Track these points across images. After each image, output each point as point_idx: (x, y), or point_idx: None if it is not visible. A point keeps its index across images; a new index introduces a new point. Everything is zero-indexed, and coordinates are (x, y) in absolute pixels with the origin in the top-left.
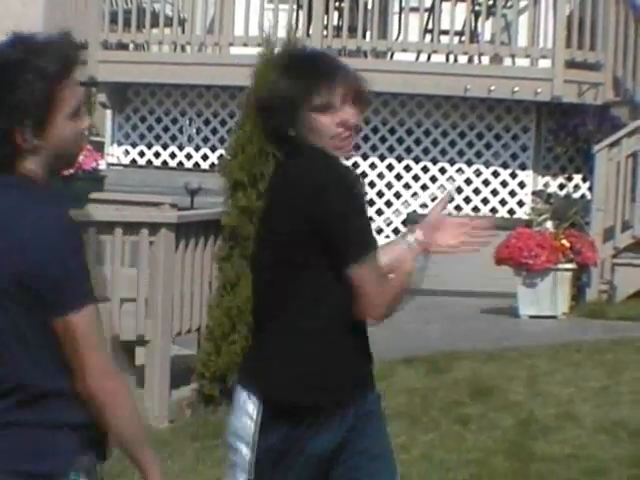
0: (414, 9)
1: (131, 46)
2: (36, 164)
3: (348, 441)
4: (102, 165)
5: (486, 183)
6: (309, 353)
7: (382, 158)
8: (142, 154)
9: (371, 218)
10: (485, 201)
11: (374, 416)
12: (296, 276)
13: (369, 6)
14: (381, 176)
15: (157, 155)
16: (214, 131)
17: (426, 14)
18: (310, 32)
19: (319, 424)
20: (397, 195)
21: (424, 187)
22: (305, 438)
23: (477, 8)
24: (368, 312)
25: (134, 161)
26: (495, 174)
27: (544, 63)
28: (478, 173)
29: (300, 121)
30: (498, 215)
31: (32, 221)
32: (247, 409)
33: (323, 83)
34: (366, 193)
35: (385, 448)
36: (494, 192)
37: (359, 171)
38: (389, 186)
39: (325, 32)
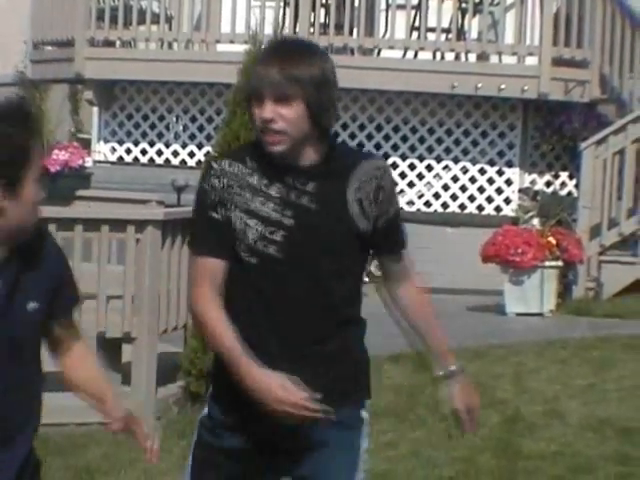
0: (401, 6)
1: (118, 43)
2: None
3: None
4: (89, 162)
5: (473, 180)
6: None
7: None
8: (129, 151)
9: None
10: (472, 198)
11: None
12: None
13: (356, 3)
14: None
15: (144, 152)
16: (201, 128)
17: (413, 11)
18: (297, 29)
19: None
20: None
21: (411, 184)
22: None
23: (464, 5)
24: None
25: (121, 158)
26: (482, 171)
27: (531, 60)
28: (465, 170)
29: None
30: (484, 212)
31: None
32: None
33: (256, 72)
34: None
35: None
36: (481, 189)
37: None
38: None
39: (312, 29)
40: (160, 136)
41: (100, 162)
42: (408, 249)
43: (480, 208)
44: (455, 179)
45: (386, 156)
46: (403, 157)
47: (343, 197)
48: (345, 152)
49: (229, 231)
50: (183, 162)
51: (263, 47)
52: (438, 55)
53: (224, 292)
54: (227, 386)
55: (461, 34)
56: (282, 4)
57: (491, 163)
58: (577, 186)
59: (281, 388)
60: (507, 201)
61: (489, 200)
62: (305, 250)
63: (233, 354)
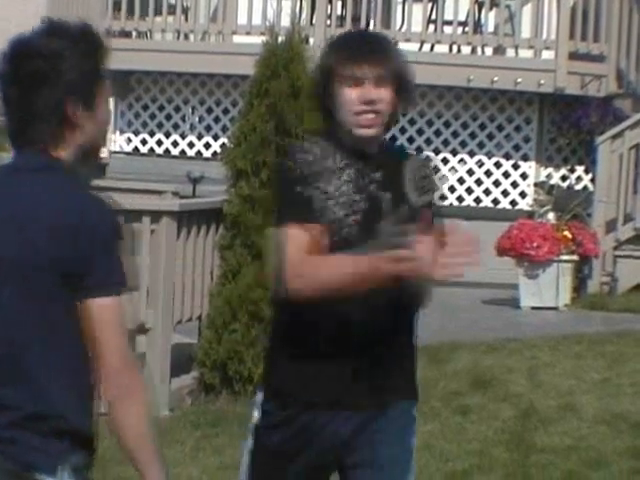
0: None
1: (134, 34)
2: (73, 148)
3: (356, 447)
4: (104, 153)
5: (488, 174)
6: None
7: None
8: (144, 142)
9: None
10: (487, 192)
11: (392, 425)
12: None
13: None
14: None
15: (159, 143)
16: (217, 119)
17: (430, 4)
18: (313, 21)
19: (318, 421)
20: None
21: None
22: (306, 433)
23: None
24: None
25: (136, 149)
26: (497, 165)
27: (547, 54)
28: (480, 164)
29: (331, 93)
30: (500, 206)
31: (78, 205)
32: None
33: (352, 55)
34: None
35: (395, 458)
36: (496, 183)
37: None
38: None
39: (328, 21)
40: (176, 127)
41: (116, 153)
42: None
43: (495, 202)
44: (470, 172)
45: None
46: (419, 150)
47: (401, 187)
48: (390, 144)
49: (310, 206)
50: (199, 153)
51: (340, 37)
52: (454, 48)
53: None
54: (289, 384)
55: (478, 27)
56: None
57: (507, 157)
58: (593, 180)
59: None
60: (523, 195)
61: (504, 194)
62: (371, 234)
63: (359, 264)
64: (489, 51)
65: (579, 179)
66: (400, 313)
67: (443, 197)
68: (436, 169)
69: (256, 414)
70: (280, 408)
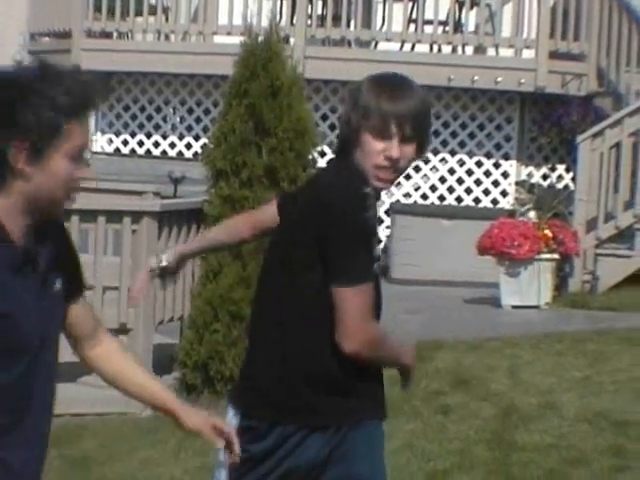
0: None
1: (115, 34)
2: (15, 199)
3: (327, 464)
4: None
5: (469, 173)
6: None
7: None
8: (126, 143)
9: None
10: (468, 191)
11: (362, 441)
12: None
13: None
14: None
15: (141, 144)
16: (198, 120)
17: (410, 4)
18: (294, 21)
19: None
20: None
21: (407, 177)
22: (280, 452)
23: None
24: (342, 340)
25: (117, 150)
26: (479, 164)
27: (528, 53)
28: (462, 163)
29: (358, 138)
30: (481, 205)
31: None
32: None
33: (384, 108)
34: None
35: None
36: (477, 182)
37: None
38: None
39: (309, 21)
40: (157, 128)
41: (97, 153)
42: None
43: (477, 201)
44: (452, 171)
45: None
46: None
47: None
48: None
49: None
50: (180, 154)
51: (376, 78)
52: (435, 48)
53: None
54: (274, 403)
55: (458, 27)
56: None
57: (488, 156)
58: (574, 179)
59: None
60: (504, 194)
61: (486, 193)
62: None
63: (399, 348)
64: (470, 50)
65: (560, 178)
66: None
67: (425, 196)
68: None
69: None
70: (260, 438)
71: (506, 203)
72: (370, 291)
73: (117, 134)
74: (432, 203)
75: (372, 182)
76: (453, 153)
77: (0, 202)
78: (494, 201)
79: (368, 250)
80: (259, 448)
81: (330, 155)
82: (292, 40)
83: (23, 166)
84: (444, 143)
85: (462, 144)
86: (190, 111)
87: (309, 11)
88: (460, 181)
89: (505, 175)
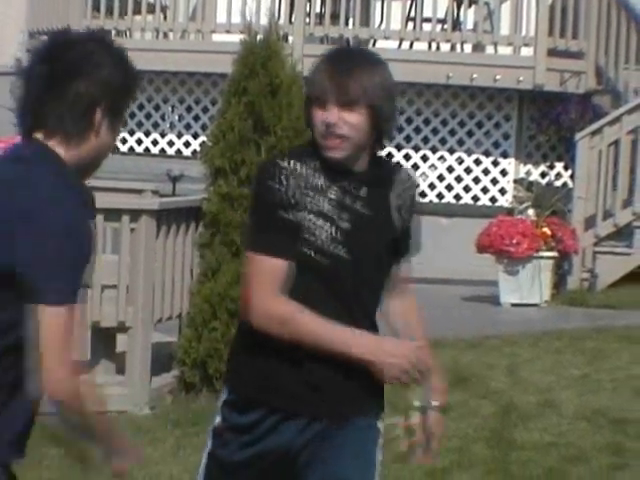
0: None
1: (113, 32)
2: (78, 156)
3: (310, 457)
4: None
5: (468, 171)
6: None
7: None
8: (124, 141)
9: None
10: (467, 189)
11: (352, 440)
12: None
13: None
14: None
15: (139, 142)
16: (196, 118)
17: (408, 2)
18: (293, 19)
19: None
20: None
21: None
22: (256, 432)
23: None
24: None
25: (116, 148)
26: (477, 162)
27: (526, 51)
28: (460, 161)
29: (309, 114)
30: (480, 203)
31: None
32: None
33: (321, 77)
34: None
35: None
36: (476, 180)
37: None
38: None
39: (307, 19)
40: (156, 126)
41: None
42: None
43: (475, 199)
44: (450, 169)
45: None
46: (398, 147)
47: (387, 204)
48: (384, 161)
49: (296, 232)
50: (178, 152)
51: (325, 54)
52: (434, 45)
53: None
54: (248, 383)
55: (457, 25)
56: None
57: (486, 154)
58: (572, 177)
59: (390, 342)
60: (502, 192)
61: (484, 191)
62: (358, 253)
63: (334, 333)
64: (468, 48)
65: (558, 175)
66: (366, 322)
67: (423, 194)
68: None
69: (218, 417)
70: (241, 412)
71: (505, 201)
72: (264, 262)
73: None
74: (430, 201)
75: (323, 153)
76: (452, 151)
77: (72, 154)
78: (493, 199)
79: (270, 218)
80: (242, 421)
81: None
82: (290, 38)
83: (102, 127)
84: (442, 141)
85: (460, 142)
86: (189, 109)
87: (307, 9)
88: (459, 179)
89: (504, 173)
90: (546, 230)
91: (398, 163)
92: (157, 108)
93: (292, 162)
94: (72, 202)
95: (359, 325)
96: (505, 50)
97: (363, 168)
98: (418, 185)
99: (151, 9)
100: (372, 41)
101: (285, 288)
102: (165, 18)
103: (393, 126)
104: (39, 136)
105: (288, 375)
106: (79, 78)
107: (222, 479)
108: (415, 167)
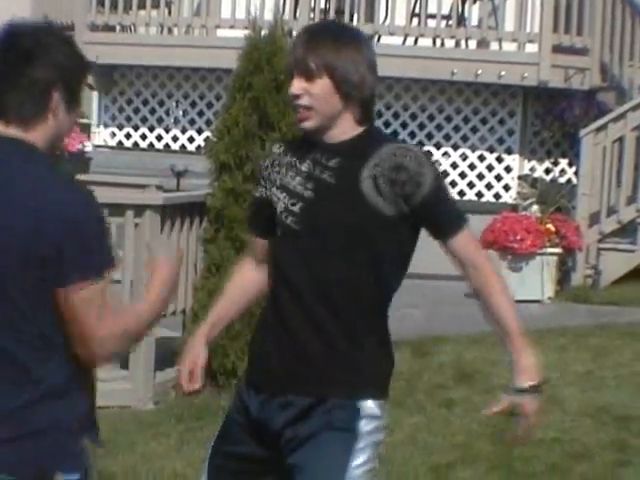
0: None
1: (118, 28)
2: (43, 137)
3: (283, 436)
4: (88, 147)
5: (472, 167)
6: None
7: None
8: (128, 136)
9: None
10: (471, 185)
11: (321, 425)
12: None
13: None
14: None
15: (143, 137)
16: (200, 113)
17: None
18: (297, 15)
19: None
20: None
21: None
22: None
23: None
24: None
25: (120, 143)
26: (481, 158)
27: (531, 48)
28: (464, 157)
29: None
30: (484, 199)
31: (59, 192)
32: None
33: (290, 51)
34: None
35: (316, 464)
36: (480, 176)
37: None
38: None
39: (312, 15)
40: (160, 121)
41: (100, 147)
42: (468, 231)
43: (479, 195)
44: (454, 166)
45: None
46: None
47: (357, 173)
48: (376, 136)
49: (268, 208)
50: (183, 147)
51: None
52: (438, 42)
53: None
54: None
55: (461, 21)
56: None
57: (490, 150)
58: (576, 173)
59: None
60: (506, 188)
61: (488, 187)
62: (319, 223)
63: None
64: (473, 44)
65: (563, 172)
66: (331, 293)
67: None
68: (425, 158)
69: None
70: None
71: (509, 197)
72: (248, 238)
73: (120, 127)
74: None
75: (299, 125)
76: (456, 147)
77: (33, 137)
78: (497, 195)
79: (252, 198)
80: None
81: None
82: (295, 34)
83: (58, 105)
84: (447, 137)
85: (465, 138)
86: (193, 104)
87: (312, 4)
88: (463, 175)
89: (508, 169)
90: (550, 226)
91: (394, 139)
92: (161, 103)
93: (278, 145)
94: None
95: (309, 293)
96: (510, 46)
97: (340, 139)
98: (415, 156)
99: (155, 4)
100: (377, 37)
101: (262, 261)
102: (170, 13)
103: (365, 95)
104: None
105: (262, 350)
106: (32, 64)
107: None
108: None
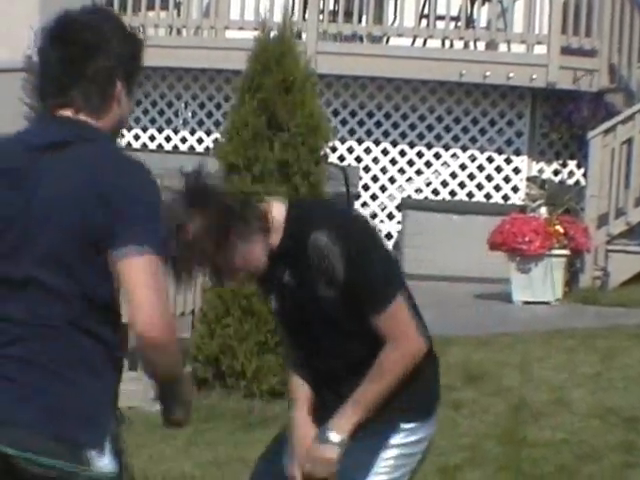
0: None
1: None
2: (110, 124)
3: None
4: None
5: (481, 169)
6: None
7: (377, 143)
8: (137, 137)
9: None
10: (479, 186)
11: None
12: None
13: None
14: (376, 161)
15: (152, 138)
16: (209, 115)
17: None
18: (306, 16)
19: None
20: (392, 180)
21: (418, 172)
22: None
23: None
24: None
25: (129, 144)
26: (490, 160)
27: (539, 49)
28: (473, 158)
29: None
30: (492, 200)
31: (123, 166)
32: None
33: None
34: None
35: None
36: (489, 178)
37: (354, 155)
38: (384, 171)
39: (321, 17)
40: (168, 122)
41: None
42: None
43: (488, 196)
44: (463, 167)
45: (394, 143)
46: (411, 145)
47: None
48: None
49: None
50: (191, 148)
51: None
52: (447, 43)
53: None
54: None
55: (470, 22)
56: None
57: (499, 151)
58: (585, 175)
59: None
60: (515, 189)
61: (497, 188)
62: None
63: None
64: (481, 46)
65: (571, 174)
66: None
67: (436, 192)
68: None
69: None
70: None
71: (517, 199)
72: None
73: (129, 129)
74: (443, 199)
75: None
76: (464, 149)
77: (101, 126)
78: (505, 197)
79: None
80: None
81: (341, 150)
82: (304, 35)
83: (121, 92)
84: (455, 138)
85: (473, 139)
86: (202, 106)
87: (321, 6)
88: (471, 177)
89: (516, 171)
90: (559, 228)
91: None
92: (170, 105)
93: None
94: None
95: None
96: (518, 48)
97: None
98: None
99: (165, 5)
100: (385, 38)
101: None
102: (179, 14)
103: None
104: (67, 113)
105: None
106: (96, 56)
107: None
108: (428, 164)
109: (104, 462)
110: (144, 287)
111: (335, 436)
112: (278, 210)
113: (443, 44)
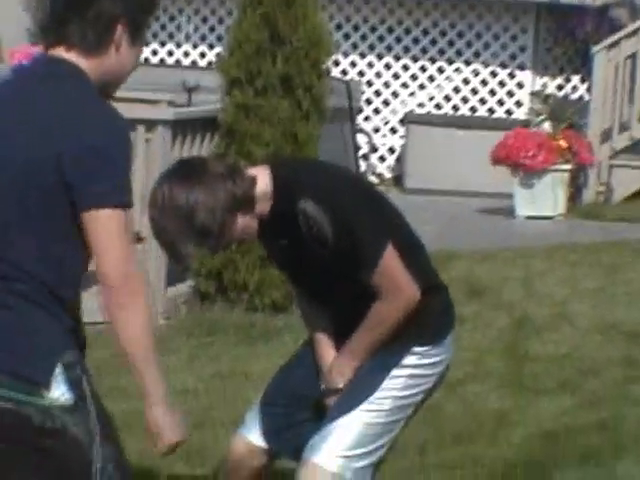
0: None
1: None
2: (101, 71)
3: None
4: None
5: (484, 83)
6: None
7: (380, 57)
8: None
9: None
10: (483, 101)
11: None
12: None
13: None
14: (379, 75)
15: (155, 53)
16: (212, 29)
17: None
18: None
19: None
20: (395, 94)
21: (422, 86)
22: None
23: None
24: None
25: None
26: (493, 74)
27: None
28: (476, 73)
29: None
30: (495, 115)
31: (95, 115)
32: None
33: None
34: None
35: None
36: (492, 92)
37: (357, 69)
38: (387, 85)
39: None
40: (171, 37)
41: None
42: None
43: (491, 111)
44: (466, 81)
45: (397, 57)
46: (414, 59)
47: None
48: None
49: None
50: (194, 62)
51: None
52: None
53: None
54: None
55: None
56: None
57: (503, 66)
58: (589, 90)
59: None
60: (518, 104)
61: (500, 103)
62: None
63: None
64: None
65: (575, 88)
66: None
67: (439, 106)
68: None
69: None
70: None
71: (521, 113)
72: None
73: None
74: (446, 113)
75: None
76: (468, 63)
77: (93, 66)
78: (509, 111)
79: None
80: None
81: (344, 64)
82: None
83: (121, 44)
84: (459, 53)
85: (477, 54)
86: (204, 20)
87: None
88: (474, 91)
89: (520, 85)
90: (562, 143)
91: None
92: (172, 19)
93: None
94: (119, 113)
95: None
96: None
97: None
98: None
99: None
100: None
101: None
102: None
103: None
104: (60, 50)
105: None
106: None
107: None
108: (431, 79)
109: (59, 392)
110: (109, 239)
111: (340, 382)
112: (263, 179)
113: None
